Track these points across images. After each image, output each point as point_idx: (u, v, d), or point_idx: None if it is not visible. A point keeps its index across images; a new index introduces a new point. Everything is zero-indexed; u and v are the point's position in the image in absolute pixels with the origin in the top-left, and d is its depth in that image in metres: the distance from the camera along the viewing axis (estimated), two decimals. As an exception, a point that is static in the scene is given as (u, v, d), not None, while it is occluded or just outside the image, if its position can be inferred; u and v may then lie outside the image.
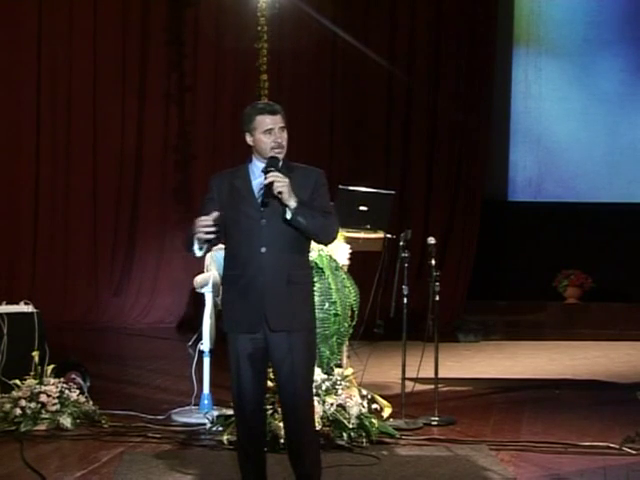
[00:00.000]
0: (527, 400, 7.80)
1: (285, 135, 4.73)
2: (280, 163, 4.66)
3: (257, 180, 4.72)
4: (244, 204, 4.69)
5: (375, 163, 12.33)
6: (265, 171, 4.62)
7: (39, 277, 12.19)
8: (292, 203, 4.57)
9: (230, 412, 6.36)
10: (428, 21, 12.45)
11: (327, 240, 4.87)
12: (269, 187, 4.58)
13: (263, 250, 4.63)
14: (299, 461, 4.78)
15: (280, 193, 4.56)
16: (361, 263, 7.21)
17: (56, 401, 6.66)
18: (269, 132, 4.68)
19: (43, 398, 6.63)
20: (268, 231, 4.64)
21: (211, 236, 4.57)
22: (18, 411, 6.57)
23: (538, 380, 8.69)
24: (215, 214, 4.58)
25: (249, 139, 4.75)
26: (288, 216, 4.58)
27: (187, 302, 11.82)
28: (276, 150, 4.67)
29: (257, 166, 4.73)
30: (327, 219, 4.71)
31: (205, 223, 4.56)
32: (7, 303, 7.44)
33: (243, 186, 4.73)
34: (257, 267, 4.63)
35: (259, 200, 4.66)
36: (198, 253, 4.67)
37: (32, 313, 7.37)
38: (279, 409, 6.07)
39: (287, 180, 4.57)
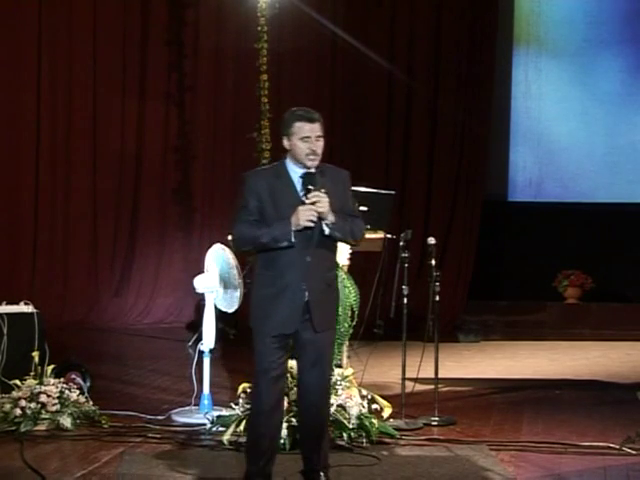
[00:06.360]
0: (527, 400, 7.80)
1: (321, 144, 4.91)
2: (316, 178, 4.84)
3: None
4: (291, 210, 4.82)
5: (375, 163, 12.32)
6: (305, 190, 4.83)
7: (39, 277, 12.17)
8: (330, 218, 4.81)
9: (230, 412, 6.36)
10: (428, 21, 12.44)
11: (355, 242, 5.18)
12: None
13: (308, 259, 4.82)
14: (315, 455, 5.00)
15: (321, 213, 4.79)
16: (361, 263, 7.20)
17: (56, 401, 6.65)
18: (306, 139, 4.85)
19: (43, 398, 6.63)
20: (313, 238, 4.84)
21: (310, 223, 4.79)
22: (18, 411, 6.57)
23: (538, 380, 8.69)
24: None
25: (286, 143, 4.93)
26: (327, 232, 4.82)
27: (187, 302, 11.80)
28: (310, 157, 4.84)
29: (294, 171, 4.91)
30: (356, 224, 5.01)
31: (312, 210, 4.77)
32: (7, 303, 7.44)
33: (287, 191, 4.90)
34: (302, 273, 4.82)
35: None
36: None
37: (32, 313, 7.36)
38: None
39: (327, 199, 4.78)
